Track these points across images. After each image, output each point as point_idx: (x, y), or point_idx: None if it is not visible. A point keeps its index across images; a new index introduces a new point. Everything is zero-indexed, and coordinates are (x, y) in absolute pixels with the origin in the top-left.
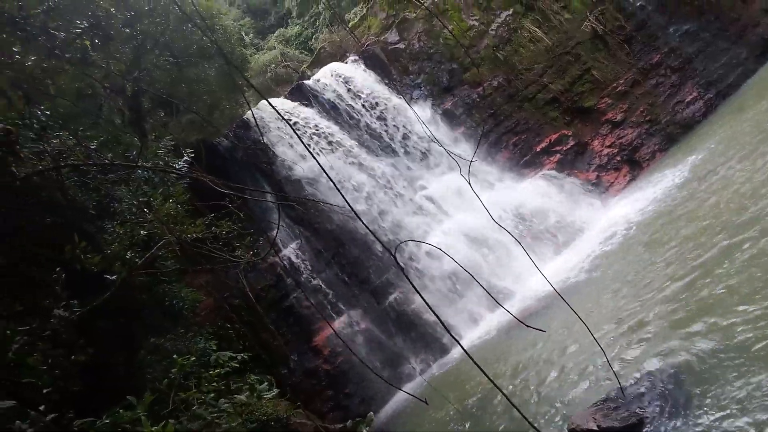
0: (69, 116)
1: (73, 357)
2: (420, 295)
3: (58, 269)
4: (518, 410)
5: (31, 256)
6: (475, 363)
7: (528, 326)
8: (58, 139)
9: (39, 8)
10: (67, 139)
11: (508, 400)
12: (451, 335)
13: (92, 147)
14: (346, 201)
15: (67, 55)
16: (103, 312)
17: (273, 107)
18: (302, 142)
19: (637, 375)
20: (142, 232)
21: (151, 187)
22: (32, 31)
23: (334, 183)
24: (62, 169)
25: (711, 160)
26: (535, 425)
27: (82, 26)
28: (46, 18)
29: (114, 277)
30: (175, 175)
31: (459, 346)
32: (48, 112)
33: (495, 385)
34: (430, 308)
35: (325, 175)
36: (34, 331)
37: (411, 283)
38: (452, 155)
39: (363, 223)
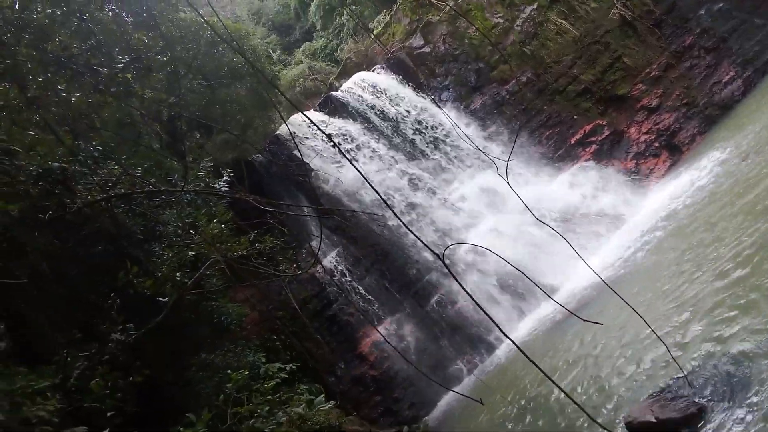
0: (111, 147)
1: (131, 378)
2: (469, 294)
3: (113, 294)
4: (575, 402)
5: (87, 284)
6: (527, 357)
7: (586, 320)
8: (106, 170)
9: (83, 46)
10: (114, 169)
11: (564, 392)
12: (500, 330)
13: (137, 174)
14: (392, 209)
15: (111, 90)
16: (155, 332)
17: (307, 117)
18: (340, 151)
19: (696, 363)
20: (189, 253)
21: (195, 209)
22: (77, 68)
23: (377, 192)
24: (111, 199)
25: (755, 139)
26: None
27: (124, 61)
28: (89, 56)
29: (166, 299)
30: (217, 196)
31: (505, 344)
32: (99, 147)
33: (549, 378)
34: (479, 306)
35: (361, 184)
36: (93, 356)
37: (462, 286)
38: (488, 155)
39: (411, 231)
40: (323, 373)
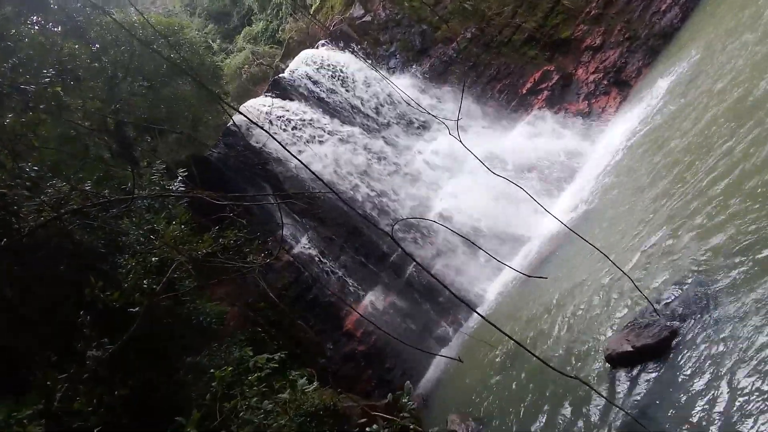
0: (58, 162)
1: (116, 392)
2: (426, 270)
3: (82, 312)
4: (537, 357)
5: (56, 304)
6: (491, 324)
7: (530, 276)
8: (53, 188)
9: (6, 65)
10: (62, 186)
11: (528, 350)
12: (462, 301)
13: (87, 188)
14: (336, 193)
15: (41, 107)
16: (135, 342)
17: (245, 116)
18: (278, 141)
19: (663, 290)
20: (153, 259)
21: (153, 214)
22: (2, 90)
23: (318, 176)
24: (63, 217)
25: (700, 60)
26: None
27: (50, 75)
28: (14, 75)
29: (137, 309)
30: (170, 197)
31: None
32: (36, 168)
33: (513, 339)
34: (437, 279)
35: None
36: (73, 376)
37: (416, 261)
38: (437, 117)
39: (357, 212)
40: (314, 357)
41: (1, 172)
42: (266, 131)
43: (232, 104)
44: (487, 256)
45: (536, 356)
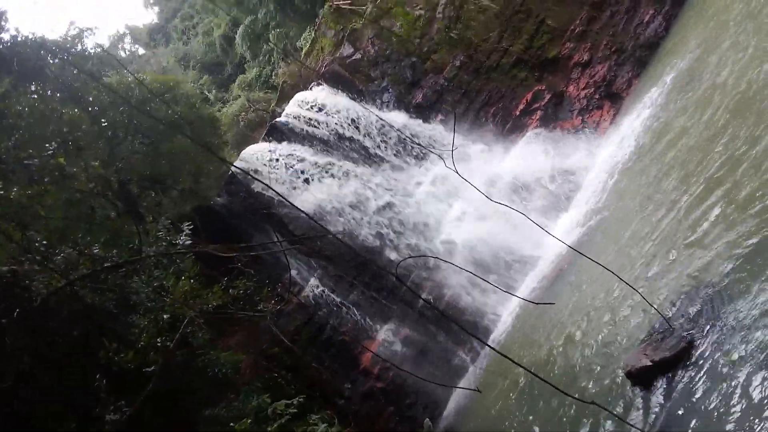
0: (65, 228)
1: None
2: (432, 305)
3: (98, 376)
4: (552, 385)
5: (72, 370)
6: (504, 356)
7: (537, 303)
8: (62, 255)
9: (8, 143)
10: (71, 252)
11: (543, 379)
12: (472, 335)
13: (96, 251)
14: (331, 233)
15: (46, 180)
16: (152, 401)
17: (240, 169)
18: (273, 190)
19: (675, 301)
20: (164, 316)
21: (162, 270)
22: (7, 166)
23: (309, 216)
24: (73, 283)
25: (688, 67)
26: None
27: (52, 148)
28: (17, 151)
29: (152, 368)
30: (178, 254)
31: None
32: (44, 240)
33: (530, 372)
34: (443, 314)
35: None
36: None
37: (421, 298)
38: (432, 151)
39: (359, 252)
40: (332, 398)
41: (9, 245)
42: (262, 182)
43: (231, 152)
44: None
45: (552, 384)
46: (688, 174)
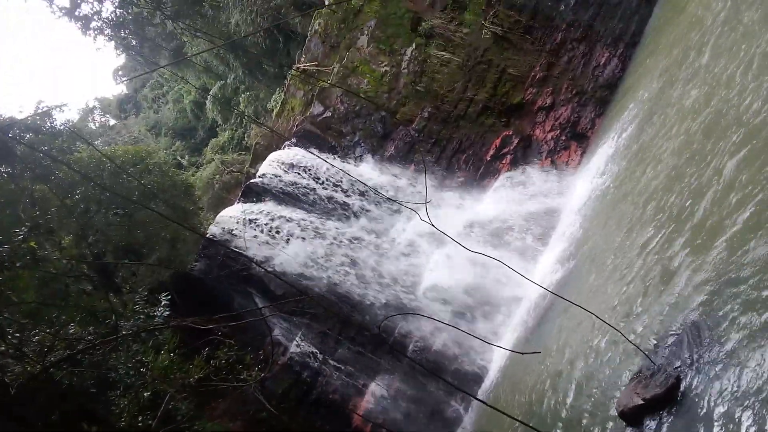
0: (39, 308)
1: None
2: (414, 360)
3: None
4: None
5: None
6: (496, 409)
7: (523, 353)
8: (36, 339)
9: None
10: (45, 334)
11: (536, 430)
12: (461, 390)
13: (71, 331)
14: (310, 296)
15: (17, 264)
16: None
17: (210, 238)
18: (249, 257)
19: (660, 337)
20: (145, 394)
21: (141, 344)
22: None
23: (290, 284)
24: (48, 369)
25: (648, 101)
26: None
27: (23, 232)
28: None
29: None
30: (155, 329)
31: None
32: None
33: (519, 421)
34: (428, 370)
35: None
36: None
37: (405, 354)
38: (405, 205)
39: (341, 312)
40: None
41: None
42: (236, 250)
43: (207, 215)
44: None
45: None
46: (658, 206)
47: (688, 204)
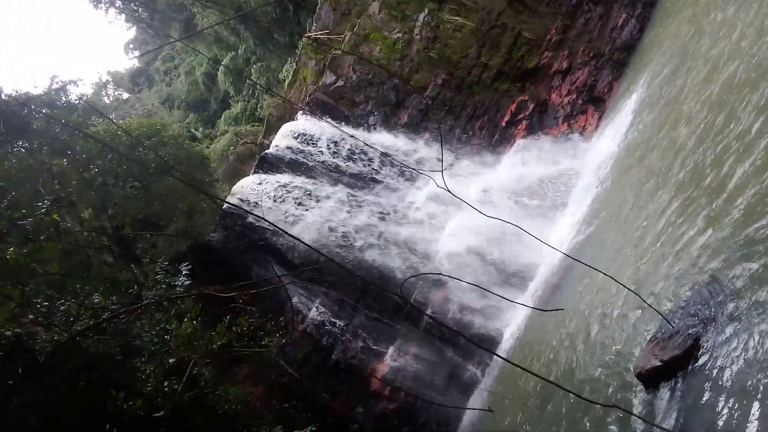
0: (64, 279)
1: None
2: (433, 318)
3: (107, 426)
4: (569, 391)
5: (80, 423)
6: (511, 363)
7: (546, 310)
8: (62, 309)
9: (1, 205)
10: (70, 304)
11: (558, 385)
12: (480, 347)
13: (96, 301)
14: (330, 258)
15: (42, 237)
16: None
17: (231, 204)
18: (269, 221)
19: (678, 299)
20: (170, 360)
21: (163, 313)
22: (1, 227)
23: (314, 249)
24: (76, 337)
25: (667, 64)
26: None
27: (45, 205)
28: (11, 211)
29: (162, 413)
30: (178, 298)
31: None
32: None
33: (537, 375)
34: (454, 329)
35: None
36: None
37: (427, 314)
38: (423, 171)
39: (361, 277)
40: (346, 424)
41: (9, 305)
42: (256, 215)
43: (223, 186)
44: (502, 292)
45: (568, 390)
46: (677, 171)
47: (711, 165)
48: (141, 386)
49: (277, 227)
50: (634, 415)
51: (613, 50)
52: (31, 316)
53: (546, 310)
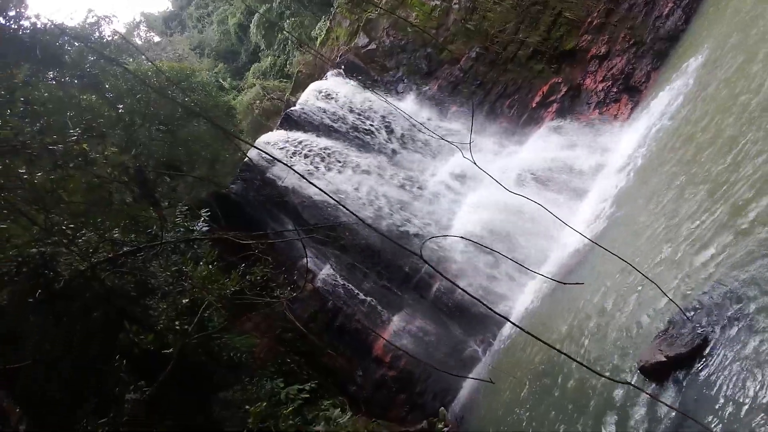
0: (86, 212)
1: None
2: (458, 287)
3: (118, 357)
4: (578, 362)
5: (92, 352)
6: (525, 332)
7: (565, 283)
8: (83, 239)
9: (33, 128)
10: (91, 235)
11: (566, 355)
12: (495, 312)
13: (115, 236)
14: (363, 221)
15: (70, 165)
16: (171, 382)
17: (263, 151)
18: (299, 174)
19: (693, 297)
20: (183, 300)
21: (179, 255)
22: (32, 151)
23: (344, 206)
24: (95, 267)
25: (709, 59)
26: (606, 374)
27: (76, 134)
28: (42, 136)
29: (171, 350)
30: (201, 238)
31: (514, 316)
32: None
33: (551, 346)
34: (471, 295)
35: (336, 193)
36: (113, 420)
37: (449, 279)
38: (451, 142)
39: (386, 236)
40: (344, 385)
41: (32, 228)
42: (285, 164)
43: (246, 140)
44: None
45: (584, 365)
46: (708, 171)
47: (740, 169)
48: (153, 323)
49: (304, 177)
50: (649, 395)
51: (656, 39)
52: (55, 238)
53: (566, 283)
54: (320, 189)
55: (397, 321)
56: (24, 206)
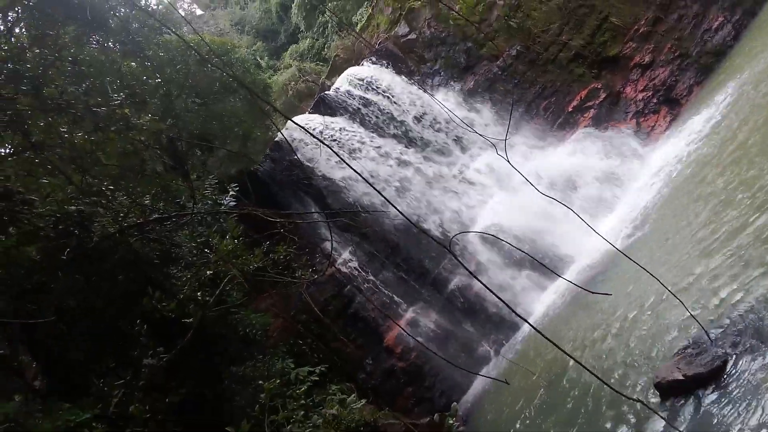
0: (119, 177)
1: (168, 399)
2: (481, 282)
3: (139, 321)
4: (594, 374)
5: (114, 314)
6: (545, 337)
7: (593, 292)
8: (115, 202)
9: (78, 89)
10: (123, 200)
11: (584, 366)
12: (516, 314)
13: (146, 203)
14: (396, 207)
15: (112, 128)
16: (186, 352)
17: (300, 125)
18: (337, 154)
19: (715, 316)
20: (207, 272)
21: (206, 227)
22: (77, 112)
23: (380, 193)
24: (124, 231)
25: (754, 79)
26: (623, 388)
27: (120, 99)
28: (87, 98)
29: (191, 320)
30: (225, 214)
31: (533, 317)
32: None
33: (568, 354)
34: (493, 292)
35: (363, 180)
36: (129, 383)
37: (473, 275)
38: (486, 137)
39: (416, 225)
40: (353, 371)
41: (68, 188)
42: (321, 140)
43: (281, 119)
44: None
45: (599, 377)
46: (746, 191)
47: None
48: (176, 291)
49: (340, 156)
50: (659, 414)
51: (702, 53)
52: (94, 198)
53: (594, 293)
54: (358, 173)
55: (411, 313)
56: (62, 165)
